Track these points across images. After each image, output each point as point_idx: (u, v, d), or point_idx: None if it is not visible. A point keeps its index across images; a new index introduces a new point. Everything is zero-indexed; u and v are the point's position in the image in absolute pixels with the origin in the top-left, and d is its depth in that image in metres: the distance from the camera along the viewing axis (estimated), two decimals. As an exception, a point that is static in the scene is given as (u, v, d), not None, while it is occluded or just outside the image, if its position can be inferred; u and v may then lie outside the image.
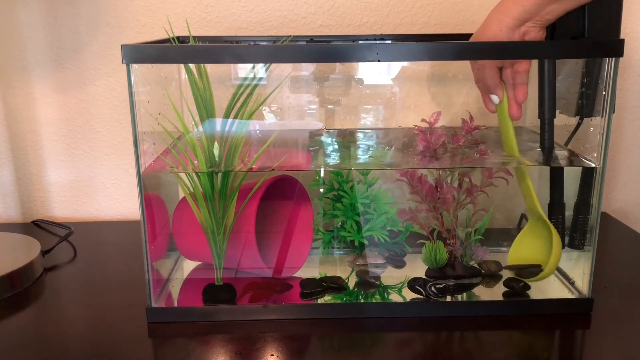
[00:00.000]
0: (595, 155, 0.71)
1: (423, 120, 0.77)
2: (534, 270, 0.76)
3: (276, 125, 0.87)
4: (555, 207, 0.77)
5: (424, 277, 0.77)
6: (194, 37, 0.87)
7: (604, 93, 0.69)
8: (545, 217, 0.76)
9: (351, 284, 0.79)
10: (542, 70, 0.72)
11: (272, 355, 0.64)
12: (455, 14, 0.98)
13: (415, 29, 0.98)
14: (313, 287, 0.77)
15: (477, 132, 0.78)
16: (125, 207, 1.07)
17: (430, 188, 0.78)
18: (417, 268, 0.79)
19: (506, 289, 0.77)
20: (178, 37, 0.84)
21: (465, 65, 0.77)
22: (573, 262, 0.79)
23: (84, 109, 1.02)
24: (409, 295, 0.76)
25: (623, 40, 0.64)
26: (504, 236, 0.85)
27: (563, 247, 0.78)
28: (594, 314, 0.72)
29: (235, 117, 0.72)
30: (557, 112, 0.74)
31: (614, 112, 0.69)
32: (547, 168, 0.77)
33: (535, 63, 0.72)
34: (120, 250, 0.93)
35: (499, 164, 0.76)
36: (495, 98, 0.73)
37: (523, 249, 0.79)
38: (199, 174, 0.73)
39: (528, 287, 0.76)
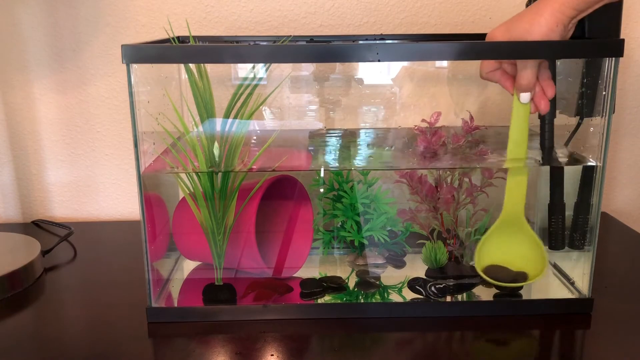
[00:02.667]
0: (595, 155, 0.71)
1: (423, 120, 0.77)
2: (518, 278, 0.74)
3: (276, 125, 0.87)
4: (555, 207, 0.77)
5: (424, 277, 0.77)
6: (194, 37, 0.87)
7: (604, 93, 0.69)
8: (525, 223, 0.73)
9: (351, 284, 0.79)
10: (542, 70, 0.72)
11: (272, 355, 0.64)
12: (455, 14, 0.98)
13: (415, 29, 0.98)
14: (313, 287, 0.77)
15: (477, 132, 0.78)
16: (125, 207, 1.07)
17: (430, 188, 0.78)
18: (417, 268, 0.79)
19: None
20: (178, 37, 0.84)
21: (465, 65, 0.77)
22: (573, 262, 0.79)
23: (84, 109, 1.02)
24: (409, 295, 0.76)
25: (623, 40, 0.64)
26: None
27: (562, 247, 0.78)
28: (594, 314, 0.72)
29: (235, 117, 0.72)
30: (557, 112, 0.74)
31: (614, 112, 0.69)
32: (547, 168, 0.77)
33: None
34: (120, 250, 0.93)
35: (500, 165, 0.76)
36: (526, 97, 0.69)
37: (493, 247, 0.75)
38: (199, 174, 0.73)
39: (520, 287, 0.76)
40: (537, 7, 0.66)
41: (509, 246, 0.75)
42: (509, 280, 0.74)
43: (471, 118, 0.77)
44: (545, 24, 0.64)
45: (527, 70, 0.67)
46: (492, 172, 0.77)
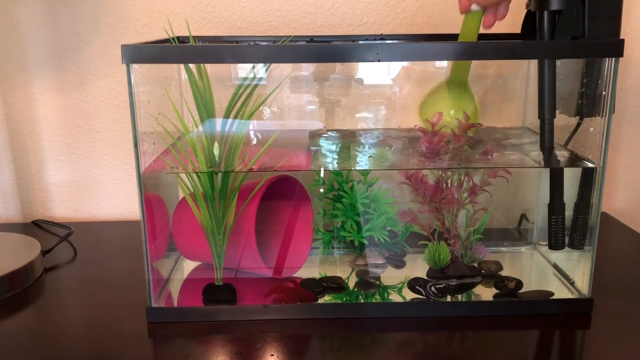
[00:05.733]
0: (595, 155, 0.71)
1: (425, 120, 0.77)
2: None
3: (276, 125, 0.87)
4: (555, 207, 0.77)
5: (424, 277, 0.77)
6: (194, 37, 0.87)
7: (604, 93, 0.69)
8: (468, 86, 0.79)
9: (351, 284, 0.79)
10: (542, 70, 0.72)
11: (272, 355, 0.64)
12: (456, 14, 0.98)
13: (415, 29, 0.98)
14: (313, 287, 0.77)
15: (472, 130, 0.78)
16: (125, 207, 1.07)
17: (433, 189, 0.78)
18: (417, 268, 0.79)
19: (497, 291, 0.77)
20: (178, 37, 0.84)
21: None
22: (573, 262, 0.79)
23: (84, 109, 1.02)
24: (409, 295, 0.76)
25: (623, 40, 0.64)
26: (504, 236, 0.86)
27: (562, 247, 0.78)
28: (594, 314, 0.72)
29: (235, 117, 0.72)
30: (557, 112, 0.74)
31: (614, 112, 0.69)
32: (547, 168, 0.77)
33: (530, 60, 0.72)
34: (120, 250, 0.93)
35: (499, 162, 0.76)
36: (476, 7, 0.74)
37: (436, 103, 0.81)
38: (199, 174, 0.73)
39: (520, 287, 0.76)
40: None
41: (450, 102, 0.80)
42: None
43: (466, 117, 0.77)
44: None
45: None
46: (496, 172, 0.77)
